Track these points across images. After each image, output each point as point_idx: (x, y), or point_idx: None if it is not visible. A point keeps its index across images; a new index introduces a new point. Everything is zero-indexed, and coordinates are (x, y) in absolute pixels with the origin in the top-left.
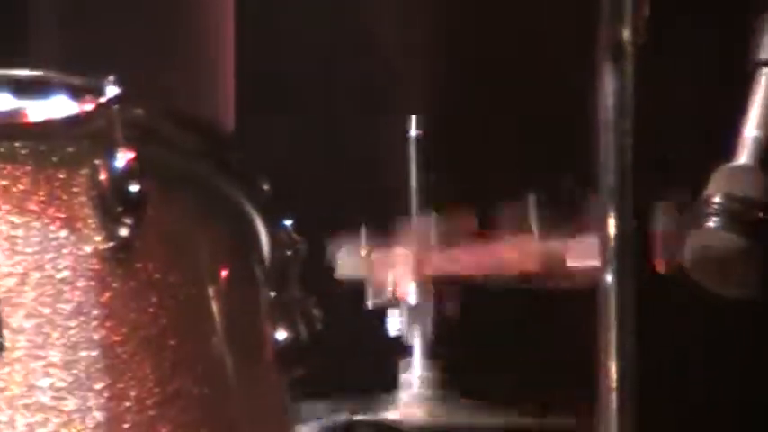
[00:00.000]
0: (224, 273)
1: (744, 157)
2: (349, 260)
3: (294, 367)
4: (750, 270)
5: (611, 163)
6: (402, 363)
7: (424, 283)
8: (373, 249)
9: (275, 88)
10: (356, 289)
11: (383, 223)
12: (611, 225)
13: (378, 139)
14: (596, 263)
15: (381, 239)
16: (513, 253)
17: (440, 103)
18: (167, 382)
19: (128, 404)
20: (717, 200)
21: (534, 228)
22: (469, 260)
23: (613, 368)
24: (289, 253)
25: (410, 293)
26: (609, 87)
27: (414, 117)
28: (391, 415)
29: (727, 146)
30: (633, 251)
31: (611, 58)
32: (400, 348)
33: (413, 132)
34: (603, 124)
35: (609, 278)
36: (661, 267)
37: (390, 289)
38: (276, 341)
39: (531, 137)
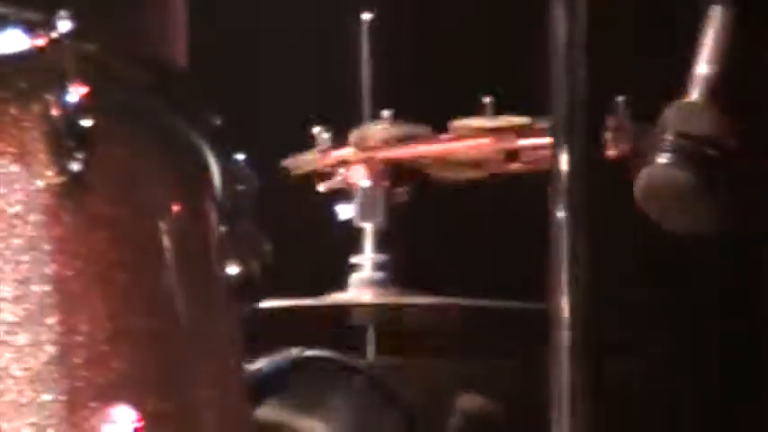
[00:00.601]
0: (175, 208)
1: (695, 93)
2: (302, 157)
3: (246, 302)
4: (700, 206)
5: (563, 96)
6: (353, 246)
7: (375, 167)
8: (327, 147)
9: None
10: (306, 176)
11: (337, 120)
12: (563, 159)
13: (330, 31)
14: (548, 145)
15: (334, 138)
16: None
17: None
18: (118, 318)
19: (79, 339)
20: (668, 136)
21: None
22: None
23: (566, 305)
24: (240, 187)
25: (361, 177)
26: (560, 17)
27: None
28: (342, 297)
29: (680, 82)
30: (585, 184)
31: None
32: (351, 232)
33: (365, 17)
34: (554, 55)
35: (560, 213)
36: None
37: (341, 172)
38: (228, 276)
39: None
